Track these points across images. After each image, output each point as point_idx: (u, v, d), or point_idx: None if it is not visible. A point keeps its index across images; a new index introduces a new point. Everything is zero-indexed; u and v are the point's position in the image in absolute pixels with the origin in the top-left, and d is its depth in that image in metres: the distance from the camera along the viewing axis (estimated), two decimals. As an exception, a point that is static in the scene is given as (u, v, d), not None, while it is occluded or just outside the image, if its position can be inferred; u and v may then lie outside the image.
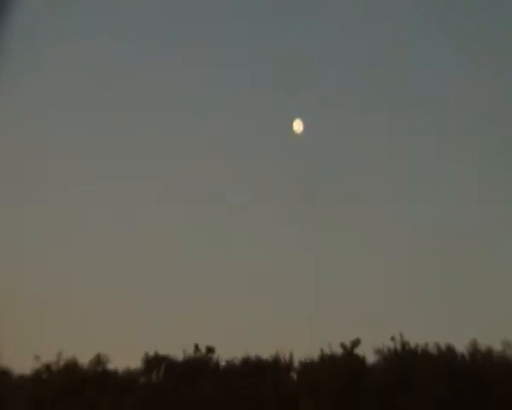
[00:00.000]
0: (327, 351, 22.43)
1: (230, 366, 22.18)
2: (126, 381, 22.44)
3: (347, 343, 22.93)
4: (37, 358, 25.32)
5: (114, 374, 22.64)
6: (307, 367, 23.08)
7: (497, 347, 26.92)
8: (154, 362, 22.69)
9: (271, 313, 39.90)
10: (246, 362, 22.40)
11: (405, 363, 21.18)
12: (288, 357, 23.83)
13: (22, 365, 30.71)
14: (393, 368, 21.29)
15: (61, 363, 23.75)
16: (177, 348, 27.82)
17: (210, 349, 23.76)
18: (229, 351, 28.61)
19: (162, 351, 26.54)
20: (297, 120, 39.02)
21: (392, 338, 22.11)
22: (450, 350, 22.69)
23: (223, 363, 23.79)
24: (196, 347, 22.90)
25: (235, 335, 43.94)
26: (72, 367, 22.19)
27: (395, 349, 22.52)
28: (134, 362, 27.72)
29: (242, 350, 27.14)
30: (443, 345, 23.68)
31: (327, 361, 21.57)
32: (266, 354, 25.36)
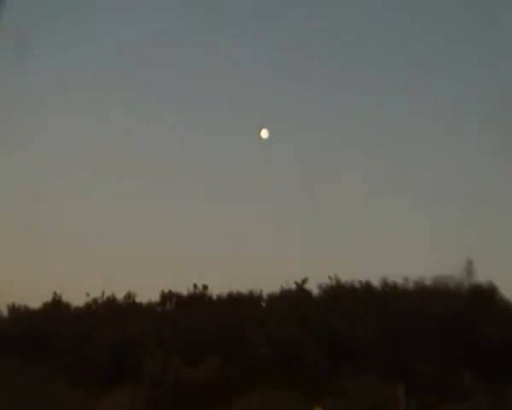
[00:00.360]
0: (285, 286, 29.02)
1: (220, 299, 28.55)
2: (148, 309, 28.80)
3: (299, 281, 29.27)
4: (87, 294, 29.81)
5: (140, 304, 28.78)
6: (272, 298, 29.33)
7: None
8: (168, 297, 28.91)
9: (249, 261, 39.61)
10: (230, 296, 28.58)
11: (338, 295, 27.93)
12: (258, 292, 29.79)
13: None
14: (330, 298, 27.95)
15: (104, 297, 29.28)
16: (182, 287, 32.63)
17: (205, 287, 29.53)
18: (219, 287, 32.73)
19: (173, 288, 31.70)
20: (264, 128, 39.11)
21: (330, 277, 28.63)
22: (369, 285, 28.94)
23: (214, 297, 29.80)
24: (195, 286, 28.98)
25: (223, 275, 48.21)
26: (112, 299, 28.41)
27: (332, 285, 28.80)
28: (154, 297, 32.40)
29: (229, 287, 32.31)
30: (363, 281, 29.75)
31: (284, 294, 28.34)
32: (244, 289, 31.06)
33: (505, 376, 21.51)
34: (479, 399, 18.71)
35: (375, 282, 30.02)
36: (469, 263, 27.82)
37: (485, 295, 27.91)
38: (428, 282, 28.72)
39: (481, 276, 28.36)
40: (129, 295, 30.93)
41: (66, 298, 30.47)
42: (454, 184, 50.47)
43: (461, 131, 50.51)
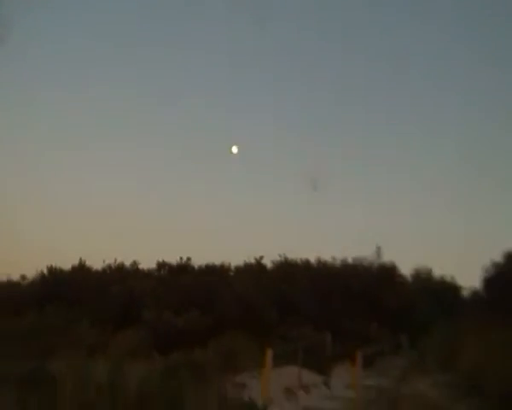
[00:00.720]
0: (247, 261, 29.33)
1: (200, 268, 28.92)
2: (147, 274, 29.18)
3: (257, 257, 29.44)
4: (104, 261, 30.02)
5: (142, 270, 29.19)
6: (238, 269, 29.34)
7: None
8: (161, 265, 29.37)
9: (221, 241, 38.57)
10: (207, 266, 28.80)
11: (285, 268, 28.22)
12: (228, 264, 29.81)
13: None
14: (279, 270, 28.34)
15: (116, 264, 29.56)
16: (173, 258, 32.52)
17: (189, 258, 29.75)
18: (199, 259, 32.19)
19: (166, 259, 31.71)
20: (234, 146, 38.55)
21: (279, 255, 29.06)
22: (308, 262, 29.17)
23: (196, 266, 29.79)
24: (181, 258, 29.45)
25: (202, 249, 47.74)
26: (121, 266, 28.90)
27: (281, 261, 28.85)
28: (151, 265, 32.43)
29: (206, 259, 32.12)
30: (303, 259, 30.00)
31: (247, 266, 28.84)
32: (218, 261, 31.02)
33: (399, 327, 22.36)
34: (382, 343, 19.44)
35: (312, 260, 31.02)
36: (378, 248, 29.19)
37: (388, 272, 29.15)
38: (350, 261, 29.87)
39: (386, 258, 29.57)
40: (134, 263, 31.98)
41: (88, 263, 31.74)
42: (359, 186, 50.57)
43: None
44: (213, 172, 50.90)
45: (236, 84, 57.22)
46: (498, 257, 24.74)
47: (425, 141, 55.45)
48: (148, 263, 32.55)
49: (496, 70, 49.60)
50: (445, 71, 55.00)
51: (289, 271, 30.37)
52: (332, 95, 56.44)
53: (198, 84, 55.55)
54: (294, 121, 56.16)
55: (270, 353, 13.59)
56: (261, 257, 31.30)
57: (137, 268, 31.82)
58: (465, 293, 29.68)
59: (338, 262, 30.40)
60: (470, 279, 33.62)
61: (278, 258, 31.53)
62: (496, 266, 24.83)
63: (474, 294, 28.25)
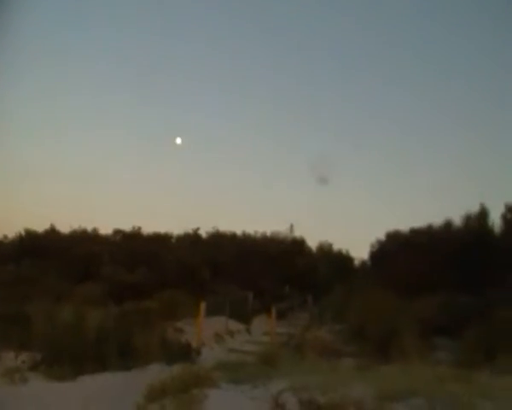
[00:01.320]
0: (186, 231, 29.27)
1: (148, 235, 28.58)
2: (106, 238, 28.80)
3: (194, 228, 29.74)
4: (70, 226, 29.65)
5: (101, 235, 28.86)
6: (178, 237, 29.22)
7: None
8: (117, 232, 29.04)
9: (165, 214, 38.04)
10: (154, 233, 28.61)
11: (216, 238, 28.54)
12: (171, 232, 29.84)
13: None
14: (212, 240, 28.59)
15: (80, 229, 29.16)
16: (126, 226, 31.67)
17: (139, 227, 29.69)
18: (148, 227, 32.00)
19: (120, 227, 31.15)
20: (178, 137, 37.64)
21: (212, 227, 29.36)
22: (234, 234, 29.54)
23: (144, 234, 29.50)
24: (133, 226, 29.41)
25: (150, 219, 47.56)
26: (84, 230, 28.55)
27: (213, 232, 29.11)
28: (109, 231, 31.88)
29: (153, 228, 31.75)
30: (231, 231, 30.50)
31: (186, 235, 28.97)
32: (162, 230, 30.81)
33: (306, 289, 22.83)
34: (292, 300, 19.79)
35: (239, 232, 31.25)
36: (291, 225, 29.74)
37: (298, 244, 29.71)
38: (269, 234, 30.27)
39: (297, 233, 30.22)
40: (94, 229, 31.33)
41: (57, 227, 31.17)
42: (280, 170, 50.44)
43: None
44: (163, 158, 50.00)
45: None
46: (382, 236, 25.62)
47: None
48: (106, 229, 32.19)
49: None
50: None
51: (219, 240, 30.56)
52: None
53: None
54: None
55: (203, 305, 13.74)
56: (197, 228, 31.38)
57: (97, 233, 31.41)
58: (356, 263, 30.69)
59: (259, 235, 31.00)
60: (361, 253, 34.90)
61: (211, 230, 31.77)
62: (379, 243, 25.63)
63: (363, 264, 29.15)
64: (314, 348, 11.36)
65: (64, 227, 31.25)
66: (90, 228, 31.57)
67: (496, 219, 20.90)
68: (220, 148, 51.95)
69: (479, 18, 44.62)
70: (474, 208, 21.87)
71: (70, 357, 7.98)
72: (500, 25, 43.30)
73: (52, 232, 30.72)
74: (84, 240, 29.11)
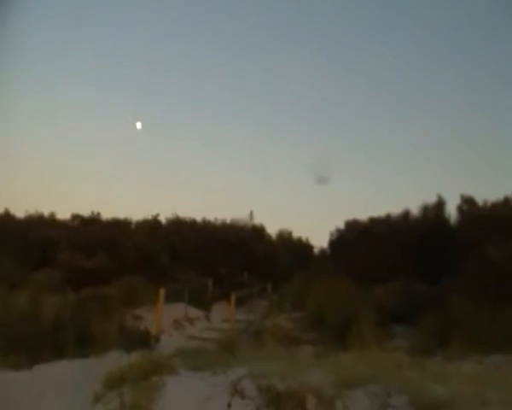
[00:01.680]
0: (146, 217, 28.96)
1: (107, 221, 28.13)
2: (64, 223, 27.95)
3: (154, 214, 29.47)
4: (26, 211, 28.77)
5: (59, 220, 28.04)
6: (138, 223, 28.96)
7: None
8: (75, 216, 28.35)
9: (124, 200, 37.38)
10: (113, 219, 28.08)
11: (177, 224, 28.35)
12: (130, 218, 29.40)
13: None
14: (172, 226, 28.48)
15: (37, 214, 28.42)
16: (85, 211, 30.78)
17: (98, 213, 29.07)
18: (107, 213, 30.93)
19: (79, 212, 30.22)
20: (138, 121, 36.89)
21: (172, 213, 29.09)
22: (194, 220, 29.53)
23: (103, 219, 28.95)
24: (92, 211, 28.42)
25: (109, 205, 46.73)
26: (41, 215, 27.60)
27: (173, 219, 28.96)
28: (67, 216, 30.96)
29: (112, 214, 31.11)
30: (191, 217, 30.31)
31: (145, 221, 28.79)
32: (122, 216, 30.23)
33: (266, 276, 23.04)
34: (252, 288, 19.86)
35: (199, 219, 31.23)
36: (251, 212, 29.91)
37: (258, 232, 29.86)
38: (229, 221, 30.33)
39: (257, 220, 30.41)
40: (52, 214, 30.67)
41: (12, 212, 30.50)
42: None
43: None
44: (123, 143, 49.31)
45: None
46: (341, 225, 26.05)
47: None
48: (64, 214, 31.60)
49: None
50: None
51: (180, 226, 30.42)
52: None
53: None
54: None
55: (162, 292, 13.68)
56: (157, 214, 31.08)
57: (55, 218, 30.72)
58: (316, 251, 31.12)
59: (219, 222, 31.01)
60: (320, 241, 35.42)
61: (171, 216, 31.58)
62: (339, 231, 26.05)
63: (322, 252, 29.58)
64: (273, 335, 11.49)
65: (19, 212, 30.55)
66: (46, 213, 31.01)
67: (452, 211, 21.50)
68: (181, 134, 51.81)
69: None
70: (432, 200, 22.55)
71: (26, 345, 7.84)
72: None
73: (7, 217, 29.80)
74: (41, 225, 28.41)
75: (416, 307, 13.64)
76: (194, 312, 16.66)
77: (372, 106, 49.91)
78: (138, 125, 41.55)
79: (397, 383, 4.96)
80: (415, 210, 23.04)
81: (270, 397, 4.90)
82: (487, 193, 32.10)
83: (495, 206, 18.96)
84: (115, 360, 6.87)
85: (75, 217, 30.49)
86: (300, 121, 52.80)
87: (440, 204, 22.05)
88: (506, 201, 18.90)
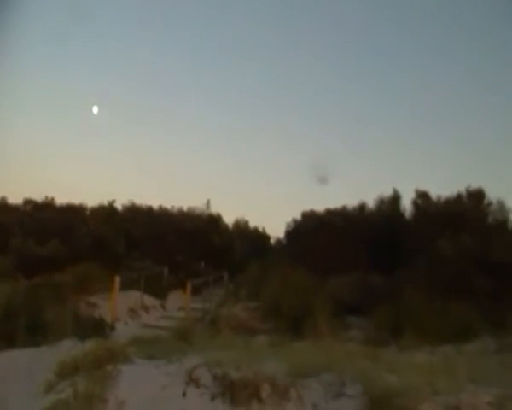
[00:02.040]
0: (101, 203, 28.57)
1: (61, 206, 27.37)
2: (15, 208, 27.20)
3: (110, 200, 29.07)
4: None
5: (10, 205, 27.29)
6: (93, 209, 28.45)
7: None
8: (28, 201, 27.58)
9: (80, 185, 36.86)
10: (68, 205, 27.34)
11: (133, 212, 28.23)
12: (85, 204, 28.83)
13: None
14: (128, 213, 28.28)
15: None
16: (38, 196, 30.00)
17: (52, 198, 28.34)
18: (61, 198, 30.27)
19: (32, 196, 29.36)
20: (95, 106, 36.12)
21: (128, 200, 28.77)
22: (151, 208, 29.33)
23: (57, 204, 28.18)
24: (46, 196, 27.56)
25: (65, 190, 45.66)
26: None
27: (129, 206, 28.72)
28: (19, 201, 30.12)
29: (67, 199, 30.31)
30: (148, 205, 30.05)
31: (101, 208, 28.42)
32: (77, 201, 29.55)
33: (222, 265, 23.13)
34: (208, 276, 19.84)
35: (155, 206, 30.94)
36: (208, 201, 29.88)
37: (214, 220, 29.84)
38: (185, 209, 30.18)
39: (214, 209, 30.37)
40: (3, 198, 29.74)
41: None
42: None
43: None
44: (78, 127, 48.26)
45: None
46: (298, 216, 26.26)
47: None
48: (15, 199, 30.61)
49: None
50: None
51: (136, 214, 30.02)
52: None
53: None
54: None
55: (117, 279, 13.57)
56: (113, 201, 30.52)
57: (6, 203, 29.75)
58: (272, 241, 31.35)
59: (175, 210, 30.75)
60: (277, 231, 35.70)
61: (127, 203, 31.09)
62: (295, 222, 26.26)
63: (279, 242, 29.77)
64: (229, 324, 11.58)
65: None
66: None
67: (407, 205, 21.93)
68: (138, 119, 51.11)
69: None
70: (387, 193, 22.97)
71: (-24, 334, 7.66)
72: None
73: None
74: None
75: (370, 298, 13.98)
76: (149, 300, 16.57)
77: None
78: (95, 109, 40.70)
79: (351, 372, 5.06)
80: (371, 203, 23.49)
81: (225, 386, 4.95)
82: (441, 189, 32.83)
83: (448, 202, 19.45)
84: (68, 349, 6.78)
85: (27, 202, 29.61)
86: (259, 107, 52.52)
87: (396, 198, 22.52)
88: (459, 197, 19.41)
